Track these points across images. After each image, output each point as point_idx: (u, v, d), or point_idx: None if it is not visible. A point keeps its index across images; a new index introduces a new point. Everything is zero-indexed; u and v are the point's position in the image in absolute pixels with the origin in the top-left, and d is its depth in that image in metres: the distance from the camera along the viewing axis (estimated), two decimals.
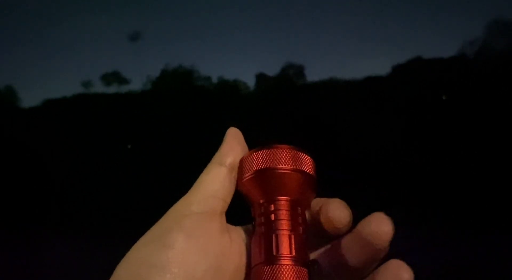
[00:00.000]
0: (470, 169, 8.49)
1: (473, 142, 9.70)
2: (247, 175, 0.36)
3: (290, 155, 0.35)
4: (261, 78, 20.08)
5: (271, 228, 0.33)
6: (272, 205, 0.34)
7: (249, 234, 0.36)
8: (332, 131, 11.57)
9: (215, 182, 0.35)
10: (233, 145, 0.38)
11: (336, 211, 0.33)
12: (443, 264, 3.98)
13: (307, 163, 0.36)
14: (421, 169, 9.10)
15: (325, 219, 0.33)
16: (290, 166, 0.35)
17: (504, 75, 11.26)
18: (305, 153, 0.36)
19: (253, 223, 0.35)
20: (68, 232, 6.51)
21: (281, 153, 0.35)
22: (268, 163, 0.35)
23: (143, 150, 13.25)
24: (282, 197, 0.34)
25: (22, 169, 11.47)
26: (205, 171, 0.36)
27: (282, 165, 0.35)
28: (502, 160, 8.60)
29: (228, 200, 0.36)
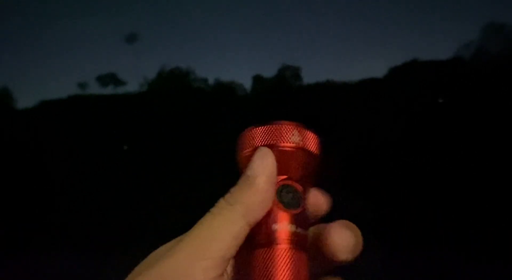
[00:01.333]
0: (464, 172, 8.51)
1: (470, 143, 9.73)
2: (245, 151, 0.33)
3: (292, 132, 0.33)
4: (257, 79, 20.10)
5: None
6: None
7: None
8: (329, 133, 11.57)
9: (233, 244, 0.29)
10: (267, 198, 0.30)
11: (341, 235, 0.30)
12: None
13: (311, 141, 0.33)
14: (418, 170, 9.12)
15: (324, 244, 0.30)
16: (292, 143, 0.32)
17: (500, 77, 11.31)
18: (309, 130, 0.34)
19: None
20: (63, 233, 6.48)
21: (283, 129, 0.33)
22: (269, 139, 0.32)
23: (139, 151, 13.22)
24: (279, 176, 0.32)
25: (17, 170, 11.41)
26: (221, 221, 0.29)
27: (284, 143, 0.32)
28: (499, 162, 8.63)
29: (234, 255, 0.30)
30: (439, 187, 7.96)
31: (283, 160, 0.32)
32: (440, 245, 4.86)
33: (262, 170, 0.31)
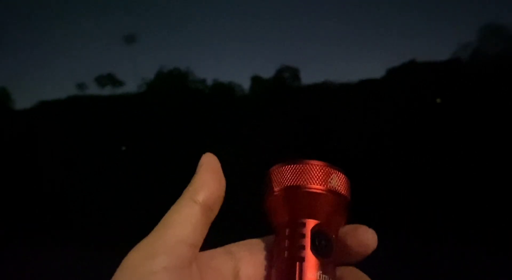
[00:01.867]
0: (462, 172, 8.52)
1: (467, 144, 9.74)
2: (275, 190, 0.32)
3: (323, 173, 0.32)
4: (256, 80, 20.08)
5: (295, 255, 0.30)
6: (300, 228, 0.31)
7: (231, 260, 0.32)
8: (327, 134, 11.58)
9: (187, 225, 0.29)
10: (208, 177, 0.32)
11: (368, 234, 0.31)
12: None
13: (341, 183, 0.32)
14: (416, 170, 9.13)
15: (355, 242, 0.31)
16: (326, 186, 0.31)
17: (498, 78, 11.33)
18: (340, 171, 0.33)
19: (275, 244, 0.32)
20: (61, 234, 6.47)
21: (317, 170, 0.31)
22: (300, 180, 0.31)
23: (137, 152, 13.21)
24: (311, 220, 0.31)
25: (15, 171, 11.39)
26: (174, 208, 0.30)
27: (317, 185, 0.31)
28: (497, 162, 8.64)
29: (200, 244, 0.30)
30: (437, 187, 7.97)
31: (316, 203, 0.31)
32: (441, 246, 4.88)
33: (203, 161, 0.33)
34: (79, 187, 10.53)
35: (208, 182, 0.31)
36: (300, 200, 0.31)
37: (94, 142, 13.74)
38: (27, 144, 13.02)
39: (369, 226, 0.30)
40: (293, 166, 0.32)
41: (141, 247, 0.28)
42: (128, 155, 13.58)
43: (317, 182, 0.31)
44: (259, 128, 11.45)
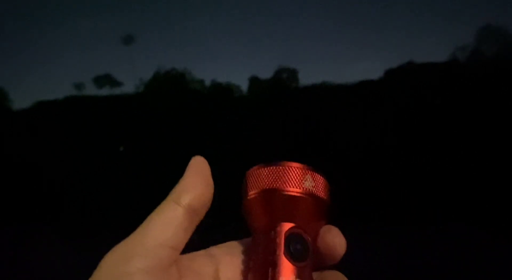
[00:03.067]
0: (463, 171, 8.54)
1: (465, 146, 9.76)
2: (251, 193, 0.31)
3: (298, 175, 0.30)
4: (254, 81, 20.10)
5: (268, 259, 0.29)
6: (273, 232, 0.30)
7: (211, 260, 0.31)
8: (325, 135, 11.59)
9: (168, 228, 0.28)
10: (195, 180, 0.31)
11: (336, 239, 0.30)
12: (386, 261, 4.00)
13: (318, 185, 0.31)
14: (413, 172, 9.14)
15: (323, 245, 0.30)
16: (302, 189, 0.30)
17: (495, 79, 11.36)
18: (319, 174, 0.31)
19: (251, 248, 0.31)
20: (59, 235, 6.46)
21: (293, 172, 0.30)
22: (277, 183, 0.30)
23: (135, 153, 13.19)
24: (286, 223, 0.30)
25: (12, 172, 11.37)
26: (156, 211, 0.30)
27: (293, 188, 0.30)
28: (496, 162, 8.66)
29: (181, 247, 0.29)
30: (435, 187, 7.98)
31: (291, 206, 0.30)
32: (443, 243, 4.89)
33: (190, 164, 0.32)
34: (77, 187, 10.52)
35: (194, 185, 0.31)
36: (274, 203, 0.30)
37: (92, 142, 13.73)
38: (25, 144, 12.99)
39: (367, 224, 0.30)
40: (267, 169, 0.31)
41: (118, 249, 0.28)
42: (126, 155, 13.56)
43: (291, 184, 0.30)
44: (257, 129, 11.46)
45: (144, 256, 0.27)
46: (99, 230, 6.89)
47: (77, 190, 10.31)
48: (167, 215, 0.29)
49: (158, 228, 0.28)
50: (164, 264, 0.28)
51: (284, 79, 19.97)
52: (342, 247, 0.31)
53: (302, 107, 13.48)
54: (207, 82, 20.32)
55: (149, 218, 0.29)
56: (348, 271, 0.31)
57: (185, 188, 0.30)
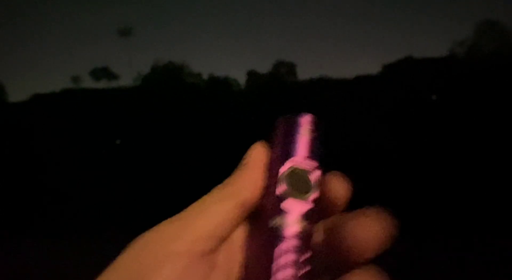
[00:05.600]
0: (459, 167, 8.56)
1: (463, 141, 9.78)
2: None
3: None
4: (252, 75, 20.07)
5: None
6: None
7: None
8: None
9: (220, 220, 0.28)
10: (254, 174, 0.29)
11: (341, 183, 0.28)
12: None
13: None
14: (410, 167, 9.16)
15: (328, 191, 0.28)
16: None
17: (493, 74, 11.37)
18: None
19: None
20: (54, 228, 6.45)
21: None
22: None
23: (132, 146, 13.17)
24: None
25: (9, 164, 11.34)
26: (210, 199, 0.29)
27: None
28: (493, 158, 8.69)
29: (226, 236, 0.29)
30: (432, 182, 8.00)
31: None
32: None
33: (252, 154, 0.30)
34: (73, 179, 10.50)
35: (253, 179, 0.29)
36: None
37: (88, 135, 13.70)
38: (21, 137, 12.96)
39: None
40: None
41: (167, 226, 0.27)
42: (122, 148, 13.54)
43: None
44: (254, 123, 11.44)
45: (191, 240, 0.27)
46: (95, 222, 6.89)
47: (73, 181, 10.30)
48: (223, 208, 0.28)
49: (211, 218, 0.28)
50: (208, 253, 0.27)
51: (282, 73, 19.95)
52: (347, 190, 0.28)
53: (300, 101, 13.47)
54: (205, 76, 20.28)
55: (202, 203, 0.28)
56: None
57: (245, 183, 0.29)
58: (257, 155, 0.30)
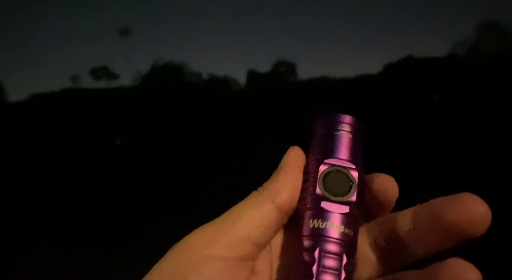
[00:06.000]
0: (460, 167, 8.52)
1: (464, 142, 9.75)
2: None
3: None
4: (252, 75, 20.03)
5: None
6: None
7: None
8: None
9: (258, 225, 0.27)
10: (293, 178, 0.29)
11: (388, 183, 0.28)
12: None
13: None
14: (410, 167, 9.12)
15: (373, 192, 0.28)
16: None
17: (495, 74, 11.33)
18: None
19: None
20: (53, 230, 6.41)
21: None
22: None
23: (132, 146, 13.13)
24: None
25: (8, 165, 11.31)
26: (249, 204, 0.28)
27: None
28: (493, 158, 8.64)
29: (265, 246, 0.28)
30: (432, 182, 7.97)
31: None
32: None
33: (289, 157, 0.30)
34: (73, 179, 10.47)
35: (292, 183, 0.29)
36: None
37: (88, 135, 13.67)
38: (20, 137, 12.92)
39: None
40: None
41: (204, 231, 0.28)
42: (122, 148, 13.50)
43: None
44: (255, 123, 11.40)
45: (228, 245, 0.27)
46: (95, 225, 6.85)
47: (72, 182, 10.25)
48: (261, 212, 0.28)
49: (249, 222, 0.28)
50: (245, 259, 0.27)
51: (282, 73, 19.91)
52: (395, 190, 0.29)
53: (300, 101, 13.44)
54: (205, 76, 20.23)
55: (240, 208, 0.28)
56: None
57: (282, 187, 0.29)
58: (294, 158, 0.30)
